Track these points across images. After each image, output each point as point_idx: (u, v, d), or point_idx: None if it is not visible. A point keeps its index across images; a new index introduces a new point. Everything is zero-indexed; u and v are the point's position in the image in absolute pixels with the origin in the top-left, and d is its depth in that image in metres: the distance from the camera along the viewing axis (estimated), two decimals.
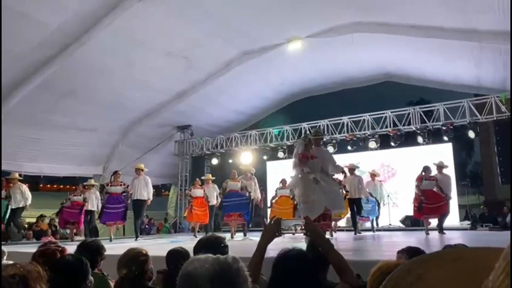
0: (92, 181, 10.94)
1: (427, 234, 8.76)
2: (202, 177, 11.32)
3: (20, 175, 10.16)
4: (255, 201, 10.19)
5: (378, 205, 10.62)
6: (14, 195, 9.60)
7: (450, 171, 10.97)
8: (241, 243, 7.97)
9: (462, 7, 8.03)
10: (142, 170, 9.97)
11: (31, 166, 11.88)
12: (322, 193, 6.38)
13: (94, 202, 10.60)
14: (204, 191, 10.49)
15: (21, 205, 9.69)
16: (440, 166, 9.08)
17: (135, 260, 2.68)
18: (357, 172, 9.97)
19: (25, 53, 8.95)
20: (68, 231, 10.62)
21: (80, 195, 10.41)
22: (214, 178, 11.24)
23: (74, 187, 10.12)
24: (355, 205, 9.53)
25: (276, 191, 10.53)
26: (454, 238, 8.01)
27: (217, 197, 10.73)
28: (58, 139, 11.92)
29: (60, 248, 3.01)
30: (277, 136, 13.54)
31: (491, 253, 0.48)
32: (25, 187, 9.96)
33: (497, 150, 12.92)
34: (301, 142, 6.68)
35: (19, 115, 10.38)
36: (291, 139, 13.16)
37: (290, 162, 7.05)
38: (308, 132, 12.57)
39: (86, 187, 10.79)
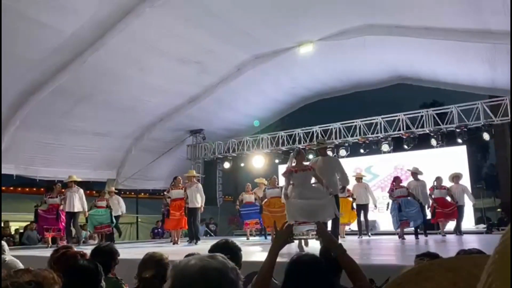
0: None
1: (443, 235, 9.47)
2: (185, 174, 10.62)
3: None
4: None
5: (422, 208, 9.23)
6: (113, 206, 10.81)
7: (465, 173, 10.87)
8: (255, 246, 8.05)
9: (475, 7, 7.93)
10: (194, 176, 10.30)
11: (46, 171, 12.02)
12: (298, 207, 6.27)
13: (117, 207, 10.97)
14: (185, 191, 9.73)
15: (119, 213, 11.11)
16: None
17: (159, 263, 2.70)
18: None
19: (40, 60, 9.09)
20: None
21: (57, 197, 9.79)
22: (199, 175, 10.98)
23: (87, 192, 10.19)
24: (363, 211, 10.29)
25: (264, 191, 9.91)
26: (470, 241, 7.94)
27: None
28: (72, 144, 12.05)
29: (81, 253, 3.04)
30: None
31: (483, 261, 0.45)
32: (120, 199, 11.52)
33: None
34: (290, 157, 6.74)
35: (35, 121, 10.54)
36: (303, 143, 13.12)
37: None
38: (320, 135, 12.55)
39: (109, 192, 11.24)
